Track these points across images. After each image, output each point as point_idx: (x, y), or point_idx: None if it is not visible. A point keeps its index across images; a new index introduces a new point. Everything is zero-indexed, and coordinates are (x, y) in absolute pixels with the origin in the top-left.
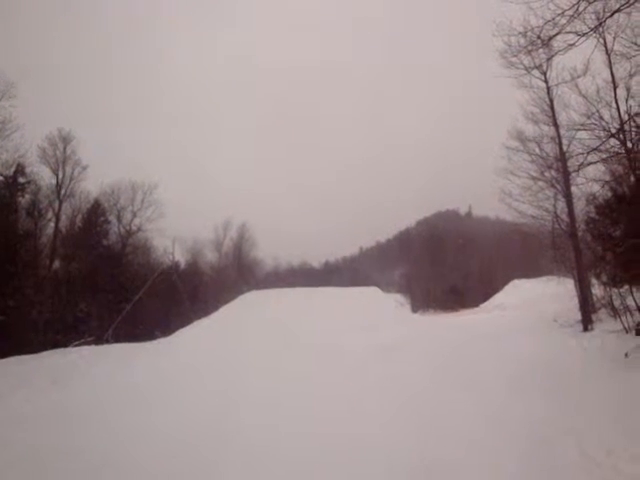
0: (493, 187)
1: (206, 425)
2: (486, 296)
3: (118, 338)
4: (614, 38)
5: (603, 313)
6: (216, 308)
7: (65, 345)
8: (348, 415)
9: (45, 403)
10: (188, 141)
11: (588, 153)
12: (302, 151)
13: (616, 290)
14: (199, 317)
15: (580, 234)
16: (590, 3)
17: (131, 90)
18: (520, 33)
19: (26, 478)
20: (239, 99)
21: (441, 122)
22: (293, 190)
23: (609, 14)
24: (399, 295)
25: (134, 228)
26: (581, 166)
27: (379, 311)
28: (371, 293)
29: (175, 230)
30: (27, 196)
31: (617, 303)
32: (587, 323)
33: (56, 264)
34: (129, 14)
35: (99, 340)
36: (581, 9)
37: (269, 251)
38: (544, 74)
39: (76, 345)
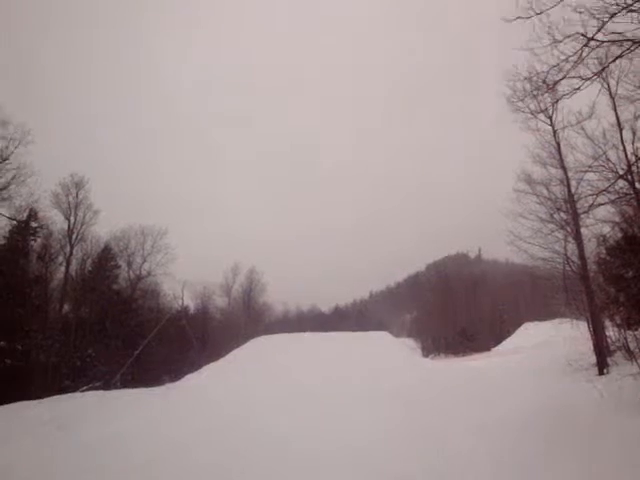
0: (503, 230)
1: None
2: (497, 339)
3: (126, 383)
4: (617, 82)
5: (619, 356)
6: (225, 353)
7: (73, 390)
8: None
9: (48, 450)
10: (199, 188)
11: (597, 194)
12: (311, 199)
13: (631, 332)
14: (208, 362)
15: (592, 275)
16: (593, 49)
17: (143, 136)
18: (526, 78)
19: None
20: (249, 150)
21: (451, 168)
22: (302, 236)
23: (612, 60)
24: (410, 339)
25: (144, 273)
26: (591, 207)
27: (389, 356)
28: (381, 338)
29: (185, 275)
30: (39, 240)
31: (632, 345)
32: (602, 366)
33: (66, 308)
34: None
35: (107, 385)
36: (584, 55)
37: (278, 296)
38: (550, 118)
39: (84, 390)
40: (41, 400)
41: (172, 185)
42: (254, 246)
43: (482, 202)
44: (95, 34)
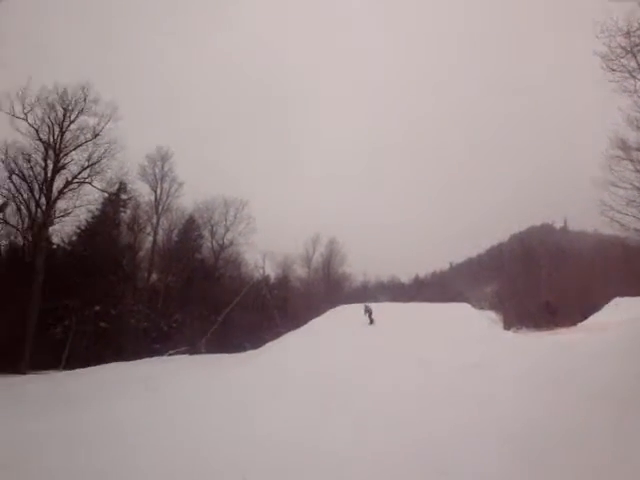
0: (593, 200)
1: (290, 435)
2: (584, 314)
3: (210, 348)
4: None
5: None
6: (305, 322)
7: (161, 353)
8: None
9: (136, 409)
10: (280, 157)
11: None
12: (391, 166)
13: None
14: (288, 330)
15: None
16: None
17: (228, 107)
18: (624, 34)
19: None
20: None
21: (537, 132)
22: (383, 205)
23: None
24: (491, 312)
25: (226, 243)
26: None
27: (469, 328)
28: (462, 310)
29: (266, 245)
30: (128, 212)
31: None
32: None
33: (153, 276)
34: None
35: (192, 350)
36: None
37: (358, 267)
38: None
39: (171, 354)
40: (132, 362)
41: (254, 155)
42: (335, 217)
43: (569, 171)
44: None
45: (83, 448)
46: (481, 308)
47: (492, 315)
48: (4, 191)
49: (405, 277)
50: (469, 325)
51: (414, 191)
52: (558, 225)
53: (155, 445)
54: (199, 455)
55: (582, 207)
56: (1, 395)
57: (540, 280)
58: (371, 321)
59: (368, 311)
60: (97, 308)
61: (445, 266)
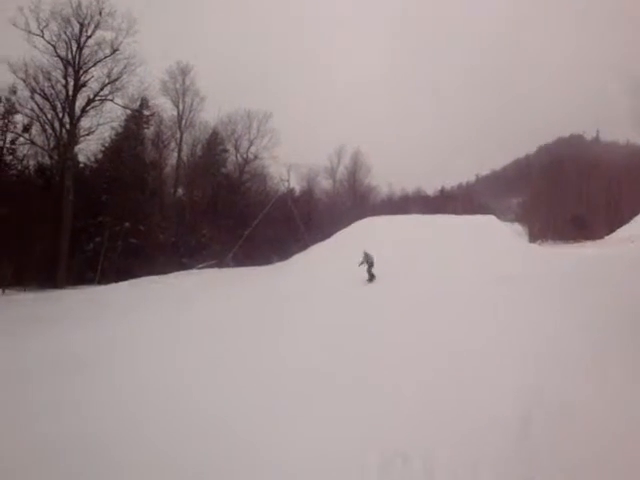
0: (626, 108)
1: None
2: (612, 228)
3: (238, 262)
4: None
5: None
6: (331, 234)
7: (190, 267)
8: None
9: (171, 320)
10: (302, 67)
11: None
12: (418, 74)
13: None
14: (314, 243)
15: None
16: None
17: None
18: None
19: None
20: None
21: (569, 34)
22: (408, 116)
23: None
24: (516, 224)
25: (251, 156)
26: None
27: (495, 240)
28: (487, 222)
29: (290, 158)
30: (151, 128)
31: None
32: None
33: (179, 192)
34: None
35: (220, 263)
36: None
37: (383, 178)
38: None
39: (200, 267)
40: (163, 276)
41: (276, 66)
42: (359, 128)
43: (601, 79)
44: None
45: (126, 353)
46: (506, 220)
47: (518, 228)
48: (28, 111)
49: (430, 189)
50: (495, 238)
51: (441, 101)
52: (589, 136)
53: (197, 350)
54: (240, 353)
55: (615, 116)
56: (43, 308)
57: (567, 192)
58: (370, 277)
59: (368, 262)
60: (127, 225)
61: (471, 178)
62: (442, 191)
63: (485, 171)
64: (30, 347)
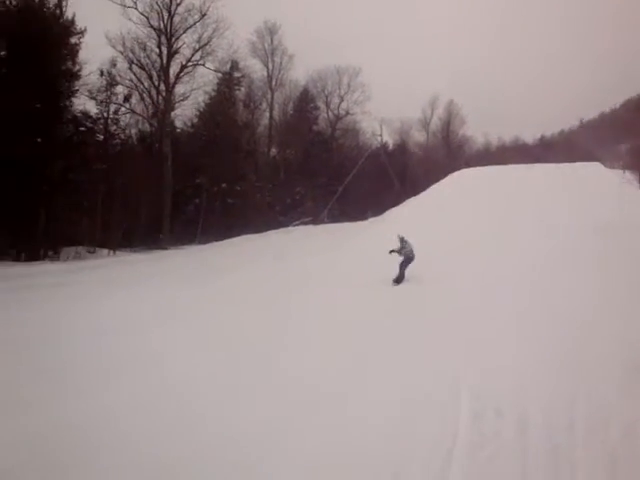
0: None
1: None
2: None
3: (333, 218)
4: None
5: None
6: (426, 187)
7: (286, 225)
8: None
9: (267, 274)
10: (390, 16)
11: None
12: (513, 14)
13: None
14: (409, 197)
15: None
16: None
17: None
18: None
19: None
20: None
21: None
22: (502, 59)
23: None
24: (626, 172)
25: (342, 112)
26: None
27: (600, 189)
28: (592, 170)
29: (382, 112)
30: (242, 89)
31: None
32: None
33: (273, 151)
34: None
35: (316, 220)
36: None
37: (479, 128)
38: None
39: (296, 225)
40: (260, 234)
41: (364, 20)
42: (453, 76)
43: None
44: None
45: (232, 307)
46: (614, 168)
47: (628, 176)
48: (127, 82)
49: (529, 137)
50: (600, 186)
51: (538, 36)
52: None
53: (293, 301)
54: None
55: None
56: (152, 267)
57: None
58: (399, 278)
59: (405, 253)
60: (224, 185)
61: (574, 123)
62: (542, 139)
63: (591, 114)
64: (145, 298)
